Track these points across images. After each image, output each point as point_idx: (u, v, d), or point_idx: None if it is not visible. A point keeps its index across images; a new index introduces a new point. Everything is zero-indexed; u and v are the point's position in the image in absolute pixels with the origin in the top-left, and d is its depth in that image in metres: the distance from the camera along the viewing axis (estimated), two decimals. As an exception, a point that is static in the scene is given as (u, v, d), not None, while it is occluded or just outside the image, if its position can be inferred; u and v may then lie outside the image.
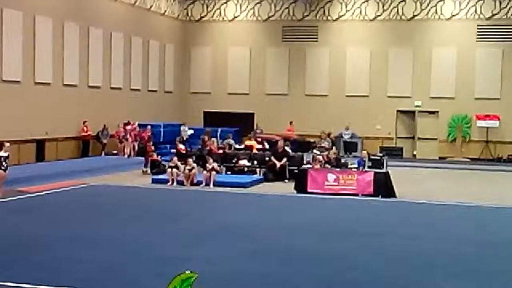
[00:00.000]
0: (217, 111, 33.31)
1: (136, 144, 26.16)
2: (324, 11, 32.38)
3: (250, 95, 33.31)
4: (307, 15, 32.59)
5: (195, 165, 19.87)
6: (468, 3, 30.77)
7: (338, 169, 18.47)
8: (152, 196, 17.43)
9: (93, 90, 26.90)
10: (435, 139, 31.29)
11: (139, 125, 26.69)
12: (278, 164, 21.10)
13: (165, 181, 19.68)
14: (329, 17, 32.34)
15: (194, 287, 4.87)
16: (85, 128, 25.93)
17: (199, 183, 19.37)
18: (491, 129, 30.11)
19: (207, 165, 19.72)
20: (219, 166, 21.38)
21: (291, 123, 30.87)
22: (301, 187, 18.29)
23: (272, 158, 21.44)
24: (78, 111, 25.66)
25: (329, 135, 29.12)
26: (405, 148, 31.09)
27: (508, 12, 30.34)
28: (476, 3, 30.65)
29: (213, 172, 19.48)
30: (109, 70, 28.02)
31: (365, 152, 19.93)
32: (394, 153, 29.00)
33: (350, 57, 32.06)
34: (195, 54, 34.18)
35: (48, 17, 24.17)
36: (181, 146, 23.23)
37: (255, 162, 22.17)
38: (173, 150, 22.98)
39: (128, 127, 26.34)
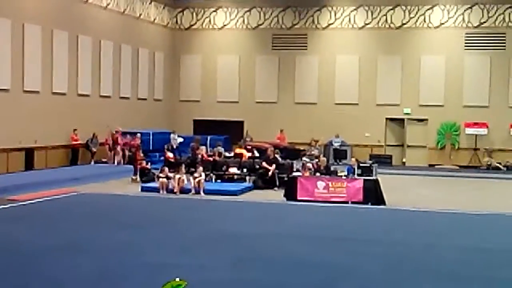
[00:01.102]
0: (206, 119, 33.31)
1: (126, 152, 26.16)
2: (313, 19, 32.49)
3: (240, 103, 33.33)
4: (297, 23, 32.69)
5: (184, 174, 19.88)
6: (456, 11, 30.97)
7: (327, 177, 18.51)
8: (142, 204, 17.39)
9: (82, 98, 26.84)
10: (424, 146, 31.40)
11: (128, 133, 26.66)
12: (270, 168, 21.08)
13: (154, 189, 19.64)
14: (318, 25, 32.45)
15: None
16: (74, 136, 25.86)
17: (188, 191, 19.34)
18: (479, 136, 30.26)
19: (195, 174, 19.74)
20: (208, 174, 21.42)
21: (281, 131, 30.88)
22: (291, 195, 18.30)
23: (264, 163, 21.46)
24: (67, 120, 25.58)
25: (317, 142, 29.20)
26: (395, 155, 31.17)
27: (495, 20, 30.54)
28: (464, 11, 30.86)
29: (202, 180, 19.48)
30: (98, 78, 27.97)
31: (354, 159, 19.99)
32: (384, 160, 29.06)
33: (339, 65, 32.16)
34: (184, 62, 34.19)
35: (37, 25, 24.12)
36: (170, 154, 23.22)
37: (245, 170, 22.20)
38: (162, 158, 22.97)
39: (116, 135, 26.32)
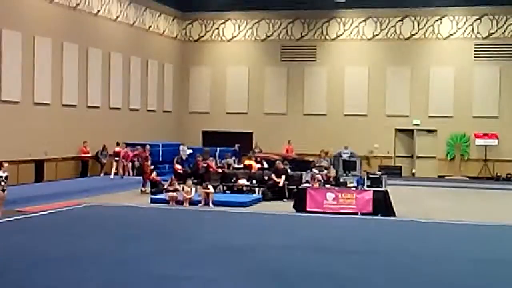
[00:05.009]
0: (215, 130, 33.36)
1: (128, 164, 26.32)
2: (322, 31, 32.54)
3: (249, 114, 33.37)
4: (305, 35, 32.74)
5: (193, 187, 19.90)
6: (465, 22, 30.95)
7: (337, 188, 18.47)
8: (151, 216, 17.39)
9: (92, 110, 26.95)
10: (434, 157, 31.32)
11: (138, 144, 26.69)
12: (280, 180, 21.06)
13: (164, 201, 19.66)
14: (327, 37, 32.50)
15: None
16: (84, 149, 25.93)
17: (197, 202, 19.35)
18: (489, 147, 30.16)
19: (203, 184, 19.75)
20: (217, 186, 21.45)
21: (289, 141, 30.82)
22: (300, 206, 18.26)
23: (273, 175, 21.45)
24: (77, 132, 25.68)
25: (326, 154, 29.11)
26: (404, 166, 31.10)
27: (505, 31, 30.51)
28: (473, 22, 30.83)
29: (211, 192, 19.48)
30: (108, 90, 28.09)
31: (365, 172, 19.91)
32: (393, 171, 29.00)
33: (348, 76, 32.18)
34: (193, 74, 34.29)
35: (47, 38, 24.27)
36: (178, 166, 23.22)
37: (254, 182, 22.17)
38: (171, 169, 22.95)
39: (117, 149, 26.32)
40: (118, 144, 26.58)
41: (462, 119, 30.73)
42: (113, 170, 25.60)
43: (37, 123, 23.68)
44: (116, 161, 26.01)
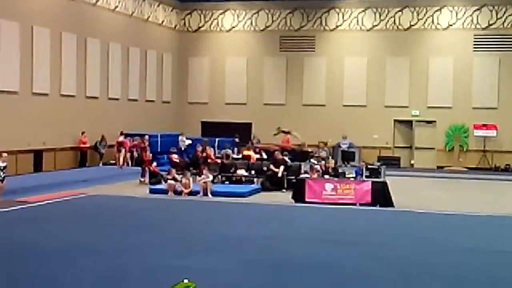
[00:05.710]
0: (214, 121, 33.34)
1: (129, 154, 26.38)
2: (321, 21, 32.48)
3: (248, 105, 33.35)
4: (305, 25, 32.68)
5: (190, 177, 19.92)
6: (464, 13, 30.90)
7: (336, 179, 18.48)
8: (150, 206, 17.40)
9: (91, 100, 26.91)
10: (433, 148, 31.31)
11: (137, 135, 26.70)
12: (278, 170, 21.08)
13: (162, 191, 19.67)
14: (326, 27, 32.44)
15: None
16: (83, 139, 25.92)
17: (196, 192, 19.36)
18: (488, 138, 30.17)
19: (203, 176, 19.75)
20: (216, 176, 21.46)
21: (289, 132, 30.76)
22: (299, 197, 18.28)
23: (271, 166, 21.48)
24: (76, 122, 25.67)
25: (325, 144, 29.13)
26: (403, 157, 31.11)
27: (504, 21, 30.45)
28: (473, 13, 30.78)
29: (209, 182, 19.48)
30: (107, 80, 28.05)
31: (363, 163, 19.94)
32: (392, 162, 29.02)
33: (347, 66, 32.13)
34: (192, 64, 34.23)
35: (46, 28, 24.21)
36: (174, 156, 23.26)
37: (253, 172, 22.19)
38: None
39: (121, 138, 26.34)
40: (122, 134, 26.63)
41: (461, 110, 30.71)
42: (121, 160, 25.85)
43: (35, 113, 23.66)
44: (120, 151, 26.07)
